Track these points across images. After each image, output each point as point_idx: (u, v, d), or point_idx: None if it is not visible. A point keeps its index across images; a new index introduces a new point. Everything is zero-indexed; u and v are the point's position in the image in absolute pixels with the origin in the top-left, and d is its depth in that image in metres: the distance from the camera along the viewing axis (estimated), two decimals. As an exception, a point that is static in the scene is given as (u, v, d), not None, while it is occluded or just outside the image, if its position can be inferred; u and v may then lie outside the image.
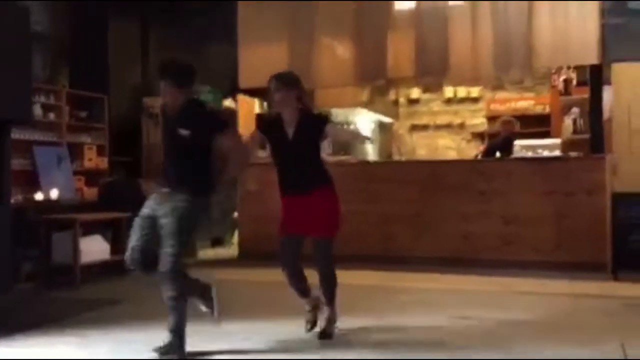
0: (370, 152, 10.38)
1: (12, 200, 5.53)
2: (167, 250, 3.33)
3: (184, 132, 3.41)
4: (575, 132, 7.42)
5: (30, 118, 5.52)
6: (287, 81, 3.66)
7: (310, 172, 3.72)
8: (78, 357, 3.44)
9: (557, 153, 6.16)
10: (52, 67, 7.17)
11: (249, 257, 6.87)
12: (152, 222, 3.43)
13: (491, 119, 10.36)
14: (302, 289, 3.81)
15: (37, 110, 6.13)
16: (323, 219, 3.67)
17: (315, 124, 3.69)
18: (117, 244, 6.09)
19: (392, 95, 11.41)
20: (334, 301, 3.77)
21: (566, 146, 6.86)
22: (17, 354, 3.53)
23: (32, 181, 6.25)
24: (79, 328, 4.02)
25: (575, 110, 7.48)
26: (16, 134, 5.81)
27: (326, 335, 3.70)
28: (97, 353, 3.38)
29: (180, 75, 3.49)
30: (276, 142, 3.75)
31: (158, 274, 3.34)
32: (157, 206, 3.44)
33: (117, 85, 7.33)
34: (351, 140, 3.32)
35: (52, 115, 6.61)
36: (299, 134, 3.66)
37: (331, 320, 3.77)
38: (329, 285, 3.73)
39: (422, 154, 10.90)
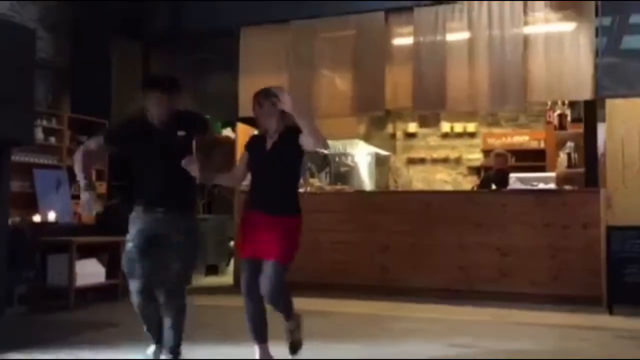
0: (367, 183, 10.45)
1: (10, 221, 5.54)
2: (181, 266, 3.41)
3: (181, 132, 3.50)
4: (569, 166, 7.50)
5: (32, 140, 5.57)
6: (267, 93, 3.52)
7: (282, 194, 3.51)
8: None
9: (552, 186, 6.22)
10: (54, 93, 7.27)
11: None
12: (155, 242, 3.44)
13: (488, 152, 10.46)
14: (262, 321, 3.54)
15: (39, 134, 6.19)
16: (282, 243, 3.39)
17: (294, 138, 3.43)
18: (113, 267, 6.09)
19: (389, 129, 11.54)
20: (292, 313, 3.64)
21: (561, 180, 6.94)
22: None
23: (31, 203, 6.26)
24: (72, 349, 4.00)
25: (570, 144, 7.59)
26: (17, 157, 5.86)
27: (295, 345, 3.65)
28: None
29: (172, 85, 3.58)
30: (255, 154, 3.59)
31: (164, 290, 3.38)
32: (163, 224, 3.45)
33: (118, 110, 7.40)
34: (313, 139, 3.10)
35: (53, 139, 6.67)
36: (277, 146, 3.50)
37: (293, 330, 3.65)
38: (286, 307, 3.59)
39: (419, 187, 10.97)
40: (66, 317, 5.31)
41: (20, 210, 6.12)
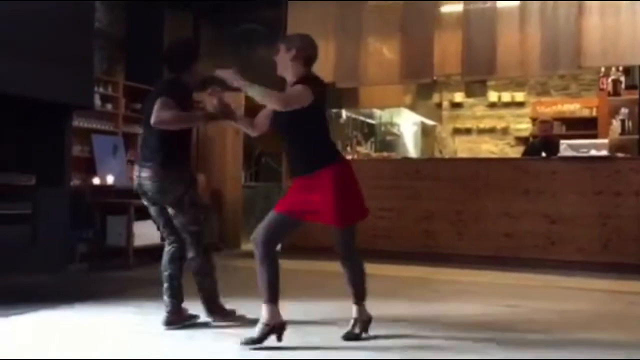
0: (413, 153, 10.45)
1: (71, 184, 5.83)
2: None
3: None
4: (623, 133, 7.34)
5: (92, 105, 5.82)
6: (284, 40, 3.36)
7: (298, 153, 3.25)
8: (134, 321, 3.63)
9: (604, 153, 6.11)
10: (109, 61, 7.49)
11: (293, 250, 7.00)
12: None
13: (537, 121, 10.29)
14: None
15: (96, 100, 6.42)
16: (324, 206, 3.19)
17: None
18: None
19: (435, 99, 11.44)
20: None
21: (614, 147, 6.80)
22: (76, 318, 3.74)
23: (89, 167, 6.54)
24: (133, 300, 4.23)
25: (624, 111, 7.40)
26: (76, 122, 6.12)
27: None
28: (154, 320, 3.55)
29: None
30: (274, 111, 3.24)
31: None
32: None
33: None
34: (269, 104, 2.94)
35: (109, 106, 6.91)
36: None
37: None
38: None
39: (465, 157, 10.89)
40: (124, 274, 5.57)
41: (80, 173, 6.40)
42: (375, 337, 3.33)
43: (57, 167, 5.46)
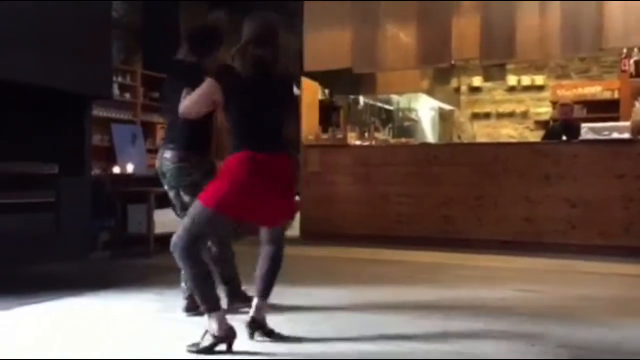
0: (431, 138, 10.39)
1: (92, 173, 5.90)
2: None
3: None
4: (646, 115, 7.21)
5: (111, 94, 5.87)
6: None
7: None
8: (156, 308, 3.68)
9: (626, 136, 6.01)
10: (126, 51, 7.54)
11: (311, 237, 7.03)
12: None
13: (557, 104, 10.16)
14: None
15: (115, 90, 6.47)
16: None
17: None
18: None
19: (453, 83, 11.34)
20: None
21: (636, 129, 6.67)
22: (100, 305, 3.80)
23: (109, 156, 6.61)
24: (155, 287, 4.28)
25: (646, 92, 7.27)
26: (96, 111, 6.18)
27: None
28: (175, 306, 3.59)
29: None
30: None
31: None
32: None
33: (187, 67, 7.61)
34: None
35: (127, 95, 6.96)
36: None
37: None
38: None
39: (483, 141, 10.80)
40: (147, 262, 5.64)
41: (101, 162, 6.47)
42: (396, 324, 3.33)
43: (78, 156, 5.53)
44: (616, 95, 9.21)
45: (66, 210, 5.35)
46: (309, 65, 7.44)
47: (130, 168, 6.56)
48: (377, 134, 8.86)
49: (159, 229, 5.93)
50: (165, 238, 6.11)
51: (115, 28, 6.91)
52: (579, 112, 9.09)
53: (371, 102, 9.71)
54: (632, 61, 7.66)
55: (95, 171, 6.19)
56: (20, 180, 4.99)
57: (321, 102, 8.51)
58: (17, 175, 4.98)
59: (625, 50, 7.98)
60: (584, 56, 9.22)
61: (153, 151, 7.19)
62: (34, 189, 5.11)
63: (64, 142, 5.44)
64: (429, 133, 10.71)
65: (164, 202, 6.12)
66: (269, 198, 2.84)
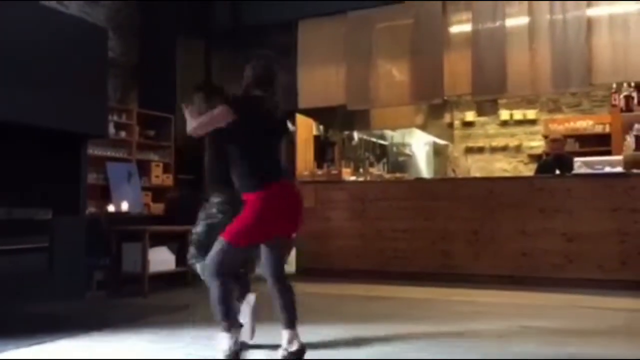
0: (425, 173, 10.43)
1: (86, 212, 5.87)
2: None
3: None
4: (637, 148, 7.29)
5: (106, 133, 5.89)
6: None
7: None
8: (153, 350, 3.62)
9: (619, 169, 6.07)
10: (122, 90, 7.59)
11: (307, 272, 6.98)
12: None
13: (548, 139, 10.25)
14: None
15: (110, 129, 6.49)
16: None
17: None
18: (182, 255, 6.34)
19: (446, 118, 11.45)
20: None
21: (629, 163, 6.73)
22: (95, 346, 3.74)
23: (105, 194, 6.58)
24: (150, 328, 4.22)
25: (637, 126, 7.37)
26: (91, 150, 6.18)
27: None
28: (172, 347, 3.54)
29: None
30: None
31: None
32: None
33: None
34: None
35: (123, 134, 6.98)
36: None
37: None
38: None
39: (478, 176, 10.85)
40: (142, 301, 5.57)
41: (96, 201, 6.45)
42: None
43: (73, 196, 5.51)
44: (607, 129, 9.31)
45: (61, 250, 5.31)
46: (303, 102, 7.53)
47: (125, 206, 6.54)
48: (371, 169, 8.91)
49: (153, 267, 5.89)
50: (160, 277, 6.11)
51: (111, 67, 6.98)
52: (571, 146, 9.18)
53: (365, 137, 9.78)
54: (622, 96, 7.77)
55: (90, 210, 6.16)
56: (13, 226, 4.98)
57: (316, 138, 8.57)
58: (10, 222, 4.97)
59: (614, 85, 8.11)
60: (574, 91, 9.35)
61: (148, 189, 7.19)
62: (27, 234, 5.09)
63: (59, 182, 5.42)
64: (424, 168, 10.76)
65: (158, 240, 6.12)
66: (281, 219, 3.14)
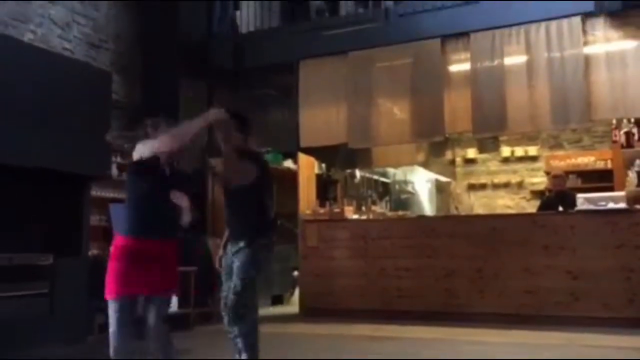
0: (428, 210, 10.41)
1: (89, 254, 5.85)
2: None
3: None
4: (640, 184, 7.29)
5: (109, 175, 5.92)
6: None
7: None
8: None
9: (622, 206, 6.05)
10: (125, 130, 7.65)
11: (311, 313, 6.92)
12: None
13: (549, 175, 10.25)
14: None
15: (113, 170, 6.52)
16: None
17: None
18: (184, 297, 6.29)
19: (448, 156, 11.48)
20: None
21: (631, 199, 6.73)
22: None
23: (107, 236, 6.56)
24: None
25: (639, 162, 7.37)
26: (94, 191, 6.20)
27: None
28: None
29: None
30: None
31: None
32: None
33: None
34: None
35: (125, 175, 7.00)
36: None
37: None
38: None
39: (481, 213, 10.82)
40: (144, 344, 5.49)
41: (98, 242, 6.43)
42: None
43: (76, 238, 5.51)
44: (609, 165, 9.32)
45: (62, 293, 5.28)
46: (305, 141, 7.57)
47: (127, 247, 6.51)
48: (374, 207, 8.90)
49: (155, 309, 5.82)
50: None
51: (114, 108, 7.06)
52: (573, 182, 9.19)
53: (367, 175, 9.80)
54: (622, 132, 7.81)
55: (93, 251, 6.14)
56: (14, 272, 4.96)
57: (318, 176, 8.60)
58: (11, 268, 4.95)
59: (614, 122, 8.16)
60: (574, 128, 9.41)
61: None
62: (28, 280, 5.06)
63: (62, 223, 5.43)
64: (426, 205, 10.74)
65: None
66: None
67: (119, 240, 3.24)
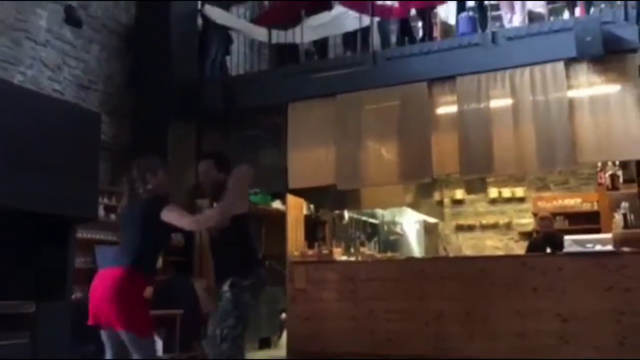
0: (417, 251, 10.40)
1: (73, 297, 5.74)
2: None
3: None
4: (626, 227, 7.33)
5: (96, 217, 5.86)
6: None
7: None
8: None
9: (610, 248, 6.07)
10: (113, 172, 7.63)
11: (299, 356, 6.80)
12: None
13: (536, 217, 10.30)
14: None
15: (100, 211, 6.47)
16: None
17: None
18: (170, 341, 6.17)
19: (436, 197, 11.53)
20: None
21: (618, 241, 6.75)
22: None
23: (92, 279, 6.45)
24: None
25: (624, 205, 7.43)
26: (79, 233, 6.13)
27: None
28: None
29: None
30: None
31: None
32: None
33: (172, 188, 7.68)
34: None
35: (113, 216, 6.95)
36: None
37: None
38: None
39: (470, 254, 10.80)
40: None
41: (82, 285, 6.31)
42: None
43: (59, 281, 5.41)
44: (595, 207, 9.40)
45: (44, 339, 5.14)
46: (293, 182, 7.57)
47: (112, 290, 6.40)
48: (362, 249, 8.87)
49: (140, 354, 5.69)
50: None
51: (103, 149, 7.06)
52: (560, 223, 9.23)
53: (356, 216, 9.80)
54: (607, 174, 7.90)
55: (77, 294, 6.02)
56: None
57: (307, 217, 8.57)
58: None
59: (600, 164, 8.25)
60: (561, 171, 9.51)
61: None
62: (9, 330, 4.91)
63: (46, 268, 5.33)
64: (415, 246, 10.73)
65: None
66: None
67: (138, 274, 3.29)
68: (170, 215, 3.36)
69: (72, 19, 7.23)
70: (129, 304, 3.21)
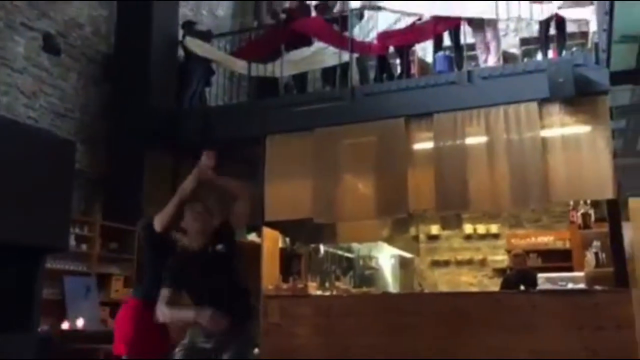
0: (392, 286, 10.36)
1: (39, 329, 5.57)
2: None
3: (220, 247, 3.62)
4: (598, 265, 7.41)
5: (66, 248, 5.72)
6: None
7: None
8: None
9: (582, 286, 6.12)
10: (86, 201, 7.51)
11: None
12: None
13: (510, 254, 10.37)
14: None
15: (71, 241, 6.34)
16: None
17: None
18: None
19: (412, 232, 11.57)
20: None
21: (590, 280, 6.83)
22: None
23: (59, 311, 6.30)
24: None
25: (596, 243, 7.54)
26: (48, 263, 5.97)
27: None
28: None
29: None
30: None
31: None
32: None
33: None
34: None
35: (84, 246, 6.83)
36: None
37: None
38: None
39: (445, 289, 10.79)
40: None
41: (50, 317, 6.15)
42: None
43: (25, 313, 5.24)
44: (568, 245, 9.51)
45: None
46: (269, 215, 7.53)
47: (80, 323, 6.25)
48: (338, 283, 8.81)
49: (107, 390, 5.54)
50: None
51: (77, 178, 6.95)
52: (534, 261, 9.31)
53: (332, 250, 9.76)
54: (579, 213, 8.03)
55: (43, 327, 5.85)
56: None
57: (282, 250, 8.51)
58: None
59: (572, 203, 8.38)
60: (533, 210, 9.63)
61: (106, 304, 6.92)
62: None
63: (11, 298, 5.16)
64: (390, 281, 10.70)
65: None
66: None
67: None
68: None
69: (50, 47, 7.21)
70: None
